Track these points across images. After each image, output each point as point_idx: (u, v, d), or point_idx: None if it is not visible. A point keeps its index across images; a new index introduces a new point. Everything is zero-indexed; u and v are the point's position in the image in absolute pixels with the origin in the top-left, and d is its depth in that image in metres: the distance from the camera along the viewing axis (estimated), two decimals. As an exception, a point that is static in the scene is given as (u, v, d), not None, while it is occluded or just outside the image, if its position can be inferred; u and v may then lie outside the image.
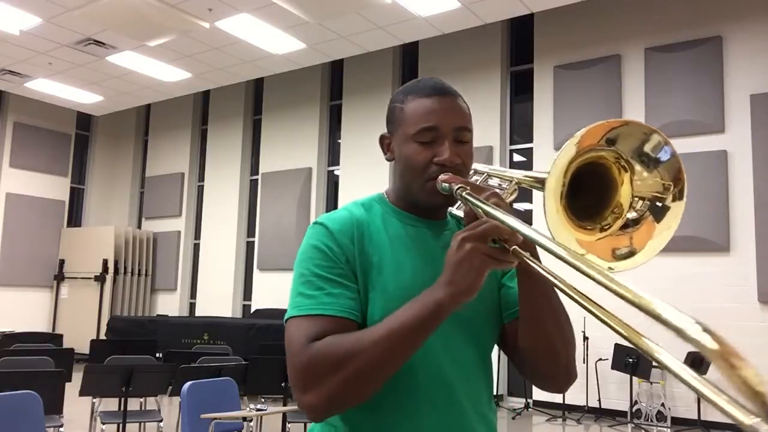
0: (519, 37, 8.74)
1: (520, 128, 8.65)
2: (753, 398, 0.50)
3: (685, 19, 7.38)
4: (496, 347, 1.23)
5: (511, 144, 8.64)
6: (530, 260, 0.88)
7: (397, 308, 1.00)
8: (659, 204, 0.92)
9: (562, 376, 1.12)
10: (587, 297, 0.74)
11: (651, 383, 6.90)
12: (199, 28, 7.90)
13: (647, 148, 0.91)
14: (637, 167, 0.92)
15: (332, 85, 10.49)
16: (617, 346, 6.65)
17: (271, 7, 7.30)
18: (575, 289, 0.76)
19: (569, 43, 8.07)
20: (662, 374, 6.90)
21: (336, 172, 10.21)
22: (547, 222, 0.88)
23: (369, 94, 9.66)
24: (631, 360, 6.45)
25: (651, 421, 6.81)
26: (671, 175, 0.91)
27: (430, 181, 1.12)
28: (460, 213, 1.11)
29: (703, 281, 6.79)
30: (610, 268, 0.90)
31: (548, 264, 0.85)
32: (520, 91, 8.76)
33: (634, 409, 6.87)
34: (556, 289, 0.84)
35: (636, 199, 0.93)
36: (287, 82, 10.43)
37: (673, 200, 0.92)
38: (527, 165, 8.35)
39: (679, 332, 0.57)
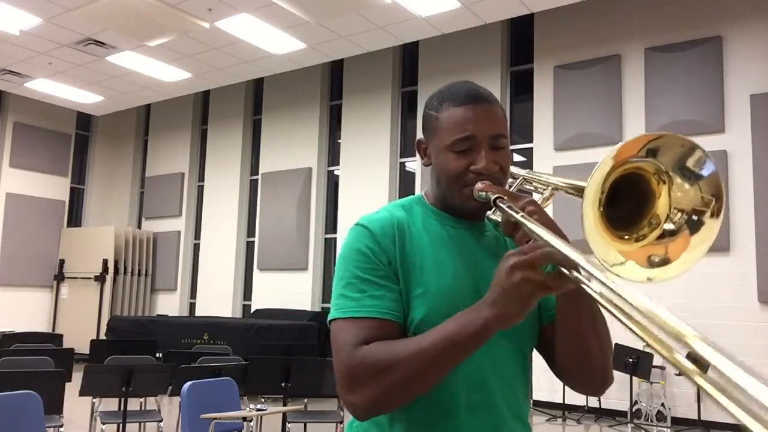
0: (519, 37, 8.74)
1: (520, 128, 8.64)
2: None
3: (685, 19, 7.38)
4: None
5: (511, 144, 8.58)
6: (584, 283, 0.84)
7: (439, 309, 1.02)
8: (696, 218, 0.92)
9: (597, 381, 1.13)
10: (636, 321, 0.72)
11: (651, 383, 6.90)
12: (199, 28, 7.90)
13: (689, 162, 0.90)
14: (678, 179, 0.92)
15: (332, 85, 10.48)
16: (617, 346, 6.65)
17: (271, 7, 7.30)
18: (625, 312, 0.74)
19: (569, 43, 8.07)
20: (662, 374, 6.90)
21: (336, 172, 10.21)
22: (584, 231, 0.87)
23: (369, 94, 9.66)
24: (631, 360, 6.44)
25: (651, 421, 6.81)
26: (711, 191, 0.91)
27: (466, 187, 1.13)
28: (497, 218, 1.11)
29: (703, 281, 6.79)
30: (648, 279, 0.89)
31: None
32: (520, 91, 8.76)
33: (634, 409, 6.86)
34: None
35: (675, 210, 0.93)
36: (287, 82, 10.43)
37: (711, 216, 0.91)
38: (527, 165, 8.35)
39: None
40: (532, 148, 8.33)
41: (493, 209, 1.13)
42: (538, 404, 7.54)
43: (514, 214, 0.99)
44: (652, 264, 0.91)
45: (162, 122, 12.55)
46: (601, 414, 7.10)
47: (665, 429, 6.65)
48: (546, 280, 0.90)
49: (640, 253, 0.92)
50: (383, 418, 1.12)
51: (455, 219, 1.19)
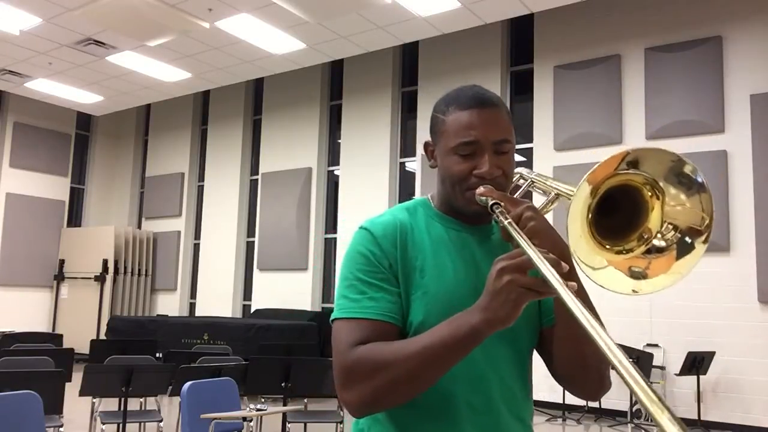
0: (519, 37, 8.74)
1: (520, 128, 8.64)
2: None
3: (685, 19, 7.38)
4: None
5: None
6: (570, 298, 0.84)
7: (438, 311, 1.04)
8: (689, 240, 0.91)
9: (594, 388, 1.14)
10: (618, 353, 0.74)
11: (651, 383, 6.89)
12: (199, 28, 7.90)
13: (681, 172, 0.90)
14: (672, 190, 0.91)
15: (332, 85, 10.48)
16: (617, 346, 6.65)
17: (271, 7, 7.30)
18: (608, 342, 0.76)
19: (569, 43, 8.07)
20: (662, 374, 6.90)
21: (336, 172, 10.21)
22: (569, 240, 0.88)
23: (369, 94, 9.66)
24: (631, 360, 6.44)
25: (651, 421, 6.80)
26: (706, 207, 0.90)
27: (468, 191, 1.15)
28: None
29: (703, 281, 6.79)
30: (634, 290, 0.89)
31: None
32: (520, 91, 8.76)
33: (634, 409, 6.86)
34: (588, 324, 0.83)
35: (667, 225, 0.92)
36: (287, 82, 10.43)
37: (703, 241, 0.90)
38: (527, 165, 8.35)
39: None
40: (532, 148, 8.33)
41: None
42: (538, 404, 7.53)
43: (503, 220, 1.01)
44: (633, 275, 0.91)
45: (162, 122, 12.55)
46: (601, 414, 7.10)
47: (665, 429, 6.64)
48: (533, 284, 0.91)
49: (624, 262, 0.92)
50: (385, 418, 1.14)
51: (459, 222, 1.21)
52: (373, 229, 1.17)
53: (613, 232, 0.93)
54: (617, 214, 0.94)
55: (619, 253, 0.92)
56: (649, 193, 0.93)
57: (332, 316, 1.13)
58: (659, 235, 0.92)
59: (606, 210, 0.92)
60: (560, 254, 0.91)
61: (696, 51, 7.23)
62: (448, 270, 1.15)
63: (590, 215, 0.89)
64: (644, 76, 7.52)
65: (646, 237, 0.93)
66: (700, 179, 0.90)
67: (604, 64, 7.80)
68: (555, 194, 1.15)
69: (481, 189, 1.11)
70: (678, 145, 7.13)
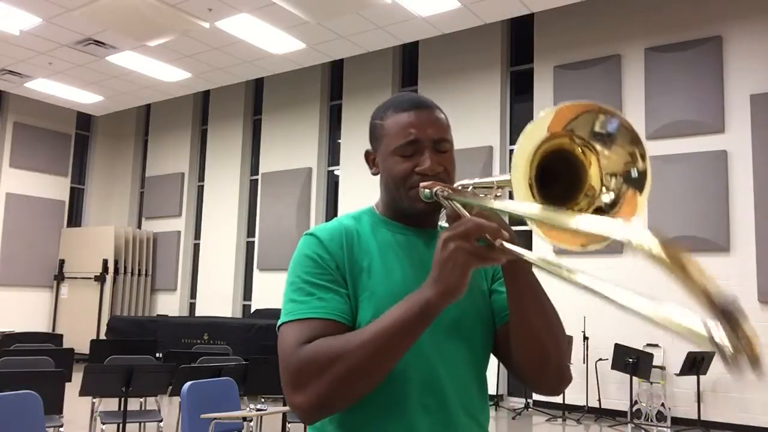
0: (519, 37, 8.74)
1: (520, 128, 8.55)
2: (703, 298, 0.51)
3: (685, 19, 7.38)
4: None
5: (511, 144, 8.64)
6: (517, 252, 0.88)
7: (386, 311, 1.01)
8: (634, 173, 0.90)
9: (554, 379, 1.13)
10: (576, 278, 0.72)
11: (651, 383, 6.90)
12: (199, 28, 7.90)
13: (597, 126, 0.90)
14: (598, 146, 0.91)
15: (332, 85, 10.48)
16: (617, 346, 6.65)
17: (271, 7, 7.30)
18: (565, 267, 0.74)
19: (569, 43, 8.07)
20: (662, 374, 6.90)
21: (336, 172, 10.21)
22: (522, 215, 0.87)
23: (369, 94, 9.66)
24: (631, 360, 6.45)
25: (651, 421, 6.81)
26: (629, 140, 0.90)
27: (412, 189, 1.15)
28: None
29: (703, 281, 6.78)
30: (582, 245, 0.87)
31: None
32: (520, 91, 8.76)
33: (634, 409, 6.86)
34: (547, 275, 0.82)
35: (608, 177, 0.91)
36: (287, 82, 10.43)
37: (642, 160, 0.90)
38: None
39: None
40: (532, 148, 8.32)
41: (442, 214, 1.16)
42: (538, 404, 7.54)
43: (457, 197, 1.02)
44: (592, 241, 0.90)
45: (162, 122, 12.55)
46: (601, 414, 7.10)
47: (665, 429, 6.65)
48: (478, 249, 0.92)
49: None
50: (336, 420, 1.11)
51: (405, 226, 1.21)
52: (318, 233, 1.16)
53: (561, 199, 0.93)
54: (559, 183, 0.94)
55: (580, 211, 0.91)
56: (581, 151, 0.92)
57: (279, 322, 1.09)
58: (604, 189, 0.91)
59: (548, 182, 0.91)
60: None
61: (696, 51, 7.23)
62: (396, 271, 1.14)
63: (534, 191, 0.89)
64: (644, 76, 7.52)
65: (590, 195, 0.92)
66: (614, 124, 0.89)
67: (604, 64, 7.80)
68: (496, 186, 1.14)
69: (423, 183, 1.12)
70: (678, 145, 7.14)
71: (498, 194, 1.12)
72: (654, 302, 0.63)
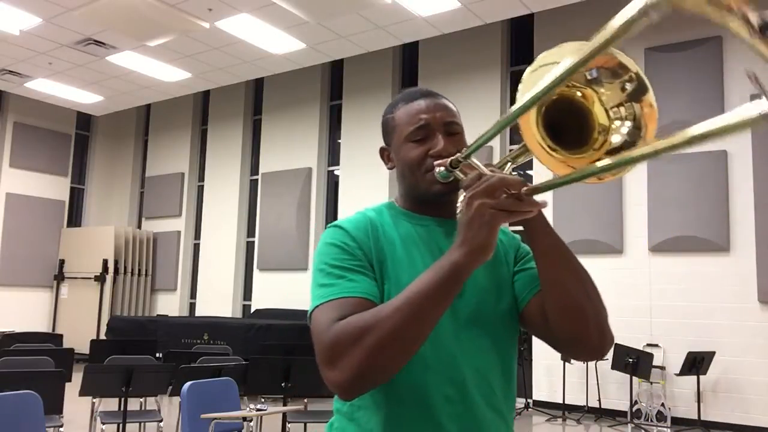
0: (519, 37, 8.74)
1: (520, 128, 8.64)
2: None
3: (685, 19, 7.38)
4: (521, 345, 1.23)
5: (511, 144, 8.64)
6: (542, 200, 0.90)
7: None
8: (631, 86, 0.93)
9: (595, 336, 1.09)
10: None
11: (651, 383, 6.90)
12: (199, 28, 7.90)
13: (587, 74, 0.93)
14: (595, 87, 0.94)
15: (332, 85, 10.48)
16: (617, 346, 6.65)
17: (271, 7, 7.30)
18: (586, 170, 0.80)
19: (569, 43, 8.06)
20: (662, 374, 6.90)
21: (336, 172, 10.21)
22: (544, 164, 0.89)
23: (369, 94, 9.66)
24: (631, 360, 6.44)
25: (651, 421, 6.81)
26: (618, 69, 0.95)
27: (428, 172, 1.17)
28: None
29: (703, 281, 6.79)
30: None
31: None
32: (520, 91, 8.74)
33: (634, 409, 6.87)
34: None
35: (613, 108, 0.92)
36: (287, 82, 10.43)
37: (638, 80, 0.94)
38: (528, 164, 8.35)
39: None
40: (532, 148, 8.32)
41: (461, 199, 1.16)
42: (538, 404, 7.54)
43: (476, 162, 1.06)
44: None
45: (162, 122, 12.55)
46: (601, 414, 7.10)
47: (665, 429, 6.65)
48: (503, 203, 0.93)
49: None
50: (360, 414, 1.12)
51: (425, 217, 1.22)
52: (343, 224, 1.18)
53: (579, 144, 0.94)
54: (569, 131, 0.95)
55: (601, 148, 0.92)
56: (580, 94, 0.93)
57: (310, 309, 1.08)
58: (618, 122, 0.93)
59: (558, 133, 0.93)
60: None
61: (696, 51, 7.23)
62: (419, 262, 1.15)
63: (547, 145, 0.90)
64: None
65: (603, 131, 0.93)
66: (593, 70, 0.93)
67: (604, 64, 7.79)
68: (509, 162, 1.17)
69: (438, 162, 1.14)
70: (678, 145, 7.13)
71: (510, 171, 1.14)
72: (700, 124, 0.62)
